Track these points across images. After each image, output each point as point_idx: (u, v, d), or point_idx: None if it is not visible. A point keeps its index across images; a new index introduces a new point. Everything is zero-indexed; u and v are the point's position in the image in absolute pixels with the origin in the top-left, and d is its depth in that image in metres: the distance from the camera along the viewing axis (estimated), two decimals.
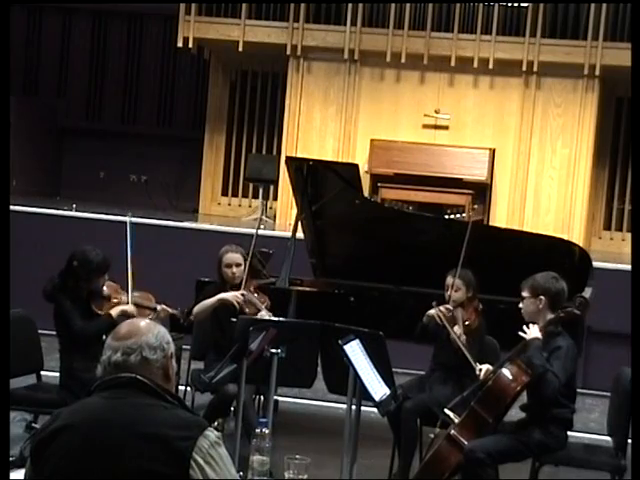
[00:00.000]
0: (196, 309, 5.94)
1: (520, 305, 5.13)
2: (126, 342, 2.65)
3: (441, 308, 5.73)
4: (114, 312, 5.54)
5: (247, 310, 5.87)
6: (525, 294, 5.09)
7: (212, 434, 2.56)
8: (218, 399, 5.66)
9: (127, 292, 5.66)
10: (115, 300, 5.66)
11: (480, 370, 5.21)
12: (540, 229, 10.12)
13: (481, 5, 11.08)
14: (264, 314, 5.85)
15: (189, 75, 13.90)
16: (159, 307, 5.76)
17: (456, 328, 5.61)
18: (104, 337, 5.44)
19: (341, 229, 7.21)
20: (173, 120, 14.08)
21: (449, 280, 5.84)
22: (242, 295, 5.90)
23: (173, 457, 2.50)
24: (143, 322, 2.75)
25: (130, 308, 5.58)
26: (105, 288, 5.66)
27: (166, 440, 2.51)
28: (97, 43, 14.15)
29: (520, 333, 4.97)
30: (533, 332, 4.95)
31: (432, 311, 5.75)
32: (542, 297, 5.03)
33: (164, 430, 2.52)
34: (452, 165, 10.89)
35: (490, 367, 5.18)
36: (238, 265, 5.99)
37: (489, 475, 4.84)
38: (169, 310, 5.80)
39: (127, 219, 5.83)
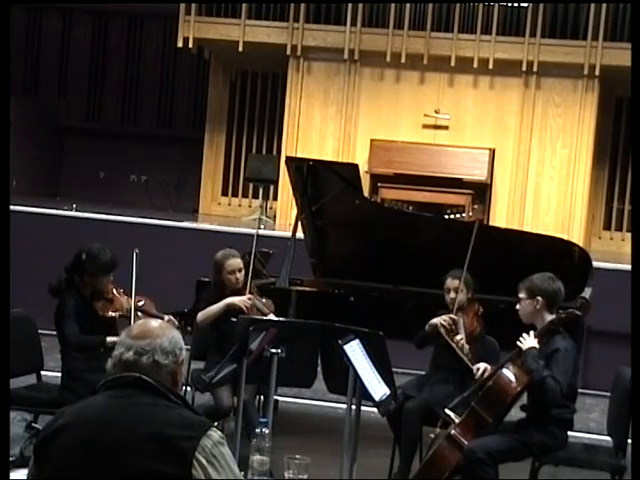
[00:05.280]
0: (200, 316, 5.86)
1: (517, 307, 5.13)
2: (140, 342, 2.65)
3: (445, 318, 5.70)
4: (109, 340, 5.34)
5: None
6: (522, 295, 5.09)
7: (215, 434, 2.57)
8: (214, 409, 5.63)
9: (131, 316, 5.61)
10: (117, 304, 5.65)
11: (477, 369, 5.21)
12: (540, 229, 10.12)
13: (481, 5, 11.08)
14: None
15: (189, 75, 13.90)
16: (166, 317, 5.71)
17: (459, 337, 5.59)
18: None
19: (341, 229, 7.21)
20: (173, 120, 14.09)
21: (449, 283, 5.82)
22: (249, 300, 5.89)
23: (176, 457, 2.50)
24: (159, 324, 2.75)
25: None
26: (109, 290, 5.66)
27: (169, 440, 2.51)
28: (97, 43, 14.16)
29: (518, 343, 4.97)
30: (529, 342, 4.95)
31: (435, 320, 5.73)
32: (539, 298, 5.03)
33: (167, 430, 2.52)
34: (452, 165, 10.89)
35: (487, 365, 5.19)
36: (240, 270, 5.98)
37: (489, 475, 4.84)
38: (175, 323, 5.73)
39: (134, 252, 5.78)
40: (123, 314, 5.61)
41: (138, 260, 5.75)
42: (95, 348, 5.44)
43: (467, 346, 5.53)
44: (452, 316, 5.69)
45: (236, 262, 5.98)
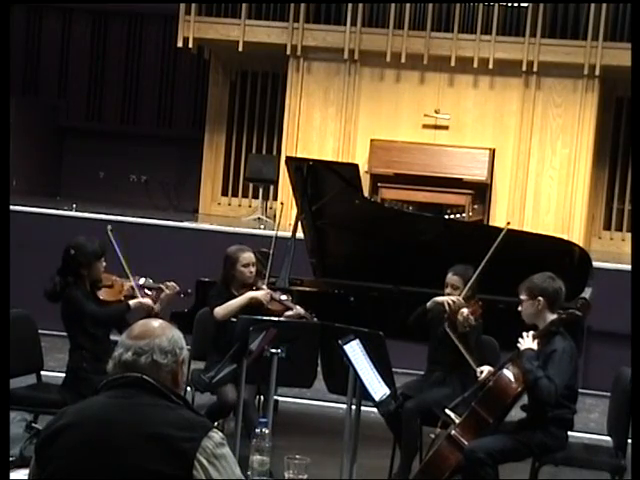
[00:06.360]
0: (221, 311, 5.84)
1: (519, 308, 5.13)
2: (139, 342, 2.65)
3: (452, 297, 5.72)
4: (132, 303, 5.58)
5: (273, 309, 5.90)
6: (523, 297, 5.10)
7: (216, 435, 2.57)
8: (218, 405, 5.64)
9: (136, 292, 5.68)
10: (118, 287, 5.68)
11: (481, 372, 5.21)
12: (540, 229, 10.12)
13: (481, 5, 11.08)
14: (299, 310, 5.95)
15: (189, 75, 13.89)
16: (165, 286, 5.77)
17: (465, 310, 5.59)
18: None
19: (341, 229, 7.21)
20: (173, 120, 14.07)
21: (449, 278, 5.84)
22: (268, 294, 5.92)
23: (177, 457, 2.50)
24: (159, 324, 2.74)
25: (146, 301, 5.63)
26: (105, 278, 5.68)
27: (170, 440, 2.51)
28: (97, 43, 14.15)
29: (518, 345, 4.98)
30: (527, 343, 4.96)
31: (440, 298, 5.75)
32: (540, 298, 5.04)
33: (168, 430, 2.53)
34: (452, 165, 10.89)
35: (490, 368, 5.19)
36: (254, 265, 6.03)
37: (489, 475, 4.85)
38: (177, 287, 5.80)
39: (108, 229, 5.84)
40: (127, 294, 5.66)
41: (115, 236, 5.81)
42: (122, 315, 5.51)
43: (472, 317, 5.54)
44: (458, 297, 5.70)
45: (250, 256, 6.03)
